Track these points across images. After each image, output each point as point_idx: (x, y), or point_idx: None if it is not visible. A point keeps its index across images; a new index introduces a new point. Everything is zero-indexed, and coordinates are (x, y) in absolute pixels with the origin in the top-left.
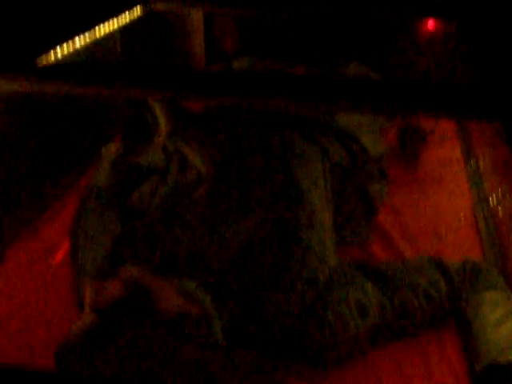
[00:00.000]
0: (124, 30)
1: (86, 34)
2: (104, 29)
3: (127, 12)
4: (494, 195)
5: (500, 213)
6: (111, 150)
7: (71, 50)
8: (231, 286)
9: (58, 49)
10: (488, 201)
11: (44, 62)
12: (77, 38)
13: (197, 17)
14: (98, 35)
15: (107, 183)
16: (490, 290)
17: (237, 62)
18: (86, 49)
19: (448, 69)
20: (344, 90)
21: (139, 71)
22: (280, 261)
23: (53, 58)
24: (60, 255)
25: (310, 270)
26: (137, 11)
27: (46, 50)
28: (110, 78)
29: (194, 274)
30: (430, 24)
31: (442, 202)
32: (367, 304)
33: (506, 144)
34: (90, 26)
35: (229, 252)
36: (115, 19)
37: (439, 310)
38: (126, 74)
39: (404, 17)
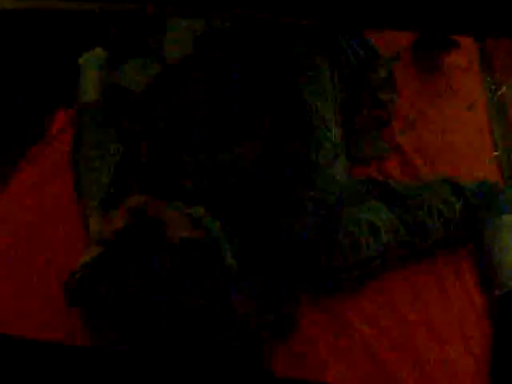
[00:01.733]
0: None
1: None
2: None
3: None
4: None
5: None
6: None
7: None
8: (240, 209)
9: None
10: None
11: None
12: None
13: None
14: None
15: (96, 99)
16: (509, 213)
17: None
18: None
19: None
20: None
21: None
22: (288, 182)
23: None
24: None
25: (320, 190)
26: None
27: None
28: None
29: (202, 200)
30: None
31: (458, 117)
32: (379, 224)
33: None
34: None
35: (235, 175)
36: None
37: (454, 231)
38: None
39: None
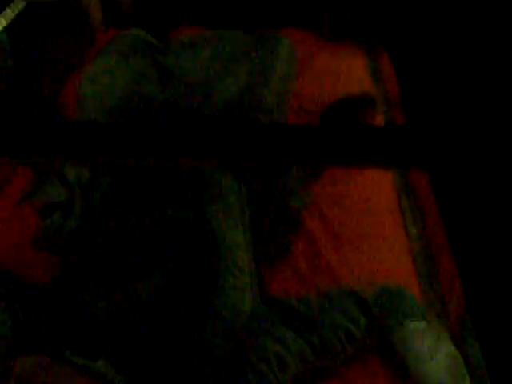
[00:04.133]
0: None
1: None
2: None
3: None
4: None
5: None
6: None
7: None
8: (142, 355)
9: None
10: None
11: None
12: None
13: None
14: None
15: None
16: (412, 319)
17: None
18: None
19: None
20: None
21: None
22: (192, 318)
23: None
24: None
25: (226, 320)
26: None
27: None
28: None
29: (103, 347)
30: None
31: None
32: (286, 355)
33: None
34: None
35: (136, 314)
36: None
37: (362, 346)
38: None
39: None
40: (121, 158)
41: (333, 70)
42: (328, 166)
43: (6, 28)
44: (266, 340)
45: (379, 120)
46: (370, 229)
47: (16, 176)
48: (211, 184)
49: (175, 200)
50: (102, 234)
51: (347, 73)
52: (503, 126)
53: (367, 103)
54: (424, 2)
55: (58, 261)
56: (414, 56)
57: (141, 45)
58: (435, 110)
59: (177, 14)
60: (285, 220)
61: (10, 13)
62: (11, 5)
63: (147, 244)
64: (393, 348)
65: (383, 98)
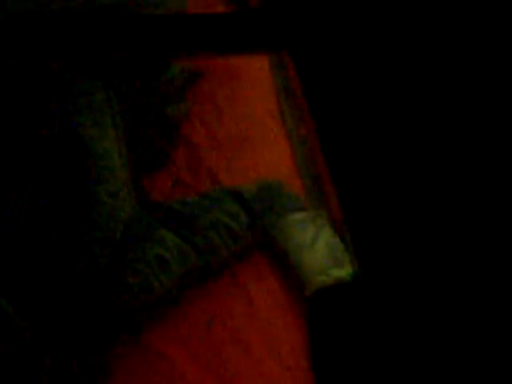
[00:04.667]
0: None
1: None
2: None
3: None
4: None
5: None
6: None
7: None
8: (17, 268)
9: None
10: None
11: None
12: None
13: None
14: None
15: None
16: (293, 211)
17: None
18: None
19: None
20: None
21: None
22: (69, 227)
23: None
24: None
25: (102, 228)
26: None
27: None
28: None
29: None
30: None
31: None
32: (168, 256)
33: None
34: None
35: (7, 228)
36: None
37: (244, 241)
38: None
39: None
40: None
41: None
42: (201, 59)
43: None
44: (146, 243)
45: None
46: (252, 133)
47: None
48: (78, 94)
49: (40, 112)
50: None
51: None
52: None
53: None
54: None
55: None
56: None
57: None
58: None
59: None
60: (162, 129)
61: None
62: None
63: (13, 159)
64: (273, 239)
65: None
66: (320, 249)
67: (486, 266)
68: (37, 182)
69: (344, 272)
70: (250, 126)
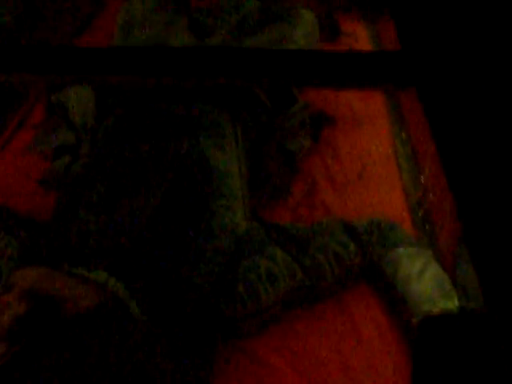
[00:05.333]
0: None
1: None
2: None
3: None
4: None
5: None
6: None
7: None
8: (141, 266)
9: None
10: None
11: None
12: None
13: None
14: None
15: None
16: (403, 245)
17: None
18: None
19: None
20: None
21: None
22: (186, 233)
23: None
24: None
25: (218, 239)
26: None
27: None
28: None
29: (105, 260)
30: None
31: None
32: (276, 271)
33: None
34: None
35: (135, 229)
36: None
37: (351, 269)
38: None
39: None
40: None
41: None
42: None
43: None
44: (257, 256)
45: None
46: (367, 174)
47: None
48: (207, 121)
49: (171, 133)
50: (102, 164)
51: None
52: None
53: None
54: None
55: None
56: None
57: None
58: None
59: None
60: (283, 162)
61: None
62: None
63: (143, 169)
64: (382, 270)
65: None
66: (427, 280)
67: None
68: (161, 193)
69: (451, 304)
70: (365, 166)
